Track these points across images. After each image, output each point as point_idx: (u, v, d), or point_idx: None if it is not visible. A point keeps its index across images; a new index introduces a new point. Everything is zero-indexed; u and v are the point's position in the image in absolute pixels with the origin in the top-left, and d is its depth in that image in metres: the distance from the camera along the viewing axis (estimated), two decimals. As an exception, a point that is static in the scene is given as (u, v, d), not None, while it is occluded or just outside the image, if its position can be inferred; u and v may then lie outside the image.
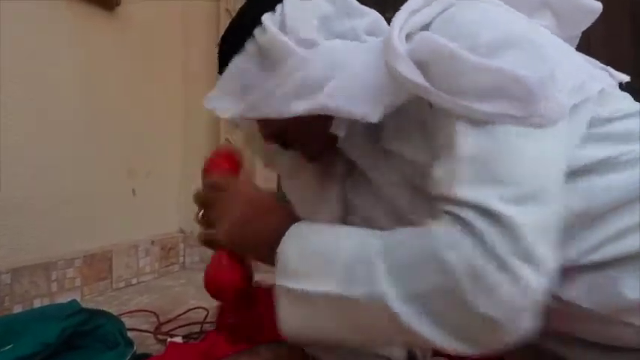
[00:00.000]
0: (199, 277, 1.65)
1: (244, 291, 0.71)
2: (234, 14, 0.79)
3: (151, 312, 1.21)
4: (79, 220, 1.39)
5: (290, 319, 0.63)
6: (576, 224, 0.62)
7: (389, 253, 0.59)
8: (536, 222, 0.54)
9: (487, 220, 0.54)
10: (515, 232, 0.53)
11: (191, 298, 1.37)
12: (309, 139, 0.77)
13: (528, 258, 0.53)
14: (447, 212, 0.57)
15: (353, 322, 0.61)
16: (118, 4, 1.50)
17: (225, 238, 0.70)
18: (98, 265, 1.45)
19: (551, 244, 0.55)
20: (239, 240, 0.69)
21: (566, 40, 0.73)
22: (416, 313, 0.56)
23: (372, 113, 0.66)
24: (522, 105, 0.57)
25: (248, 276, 0.72)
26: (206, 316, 1.15)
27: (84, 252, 1.40)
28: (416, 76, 0.60)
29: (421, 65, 0.61)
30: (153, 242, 1.70)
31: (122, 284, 1.55)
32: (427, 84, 0.59)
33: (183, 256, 1.86)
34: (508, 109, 0.57)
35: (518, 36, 0.61)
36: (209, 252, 2.01)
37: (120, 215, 1.56)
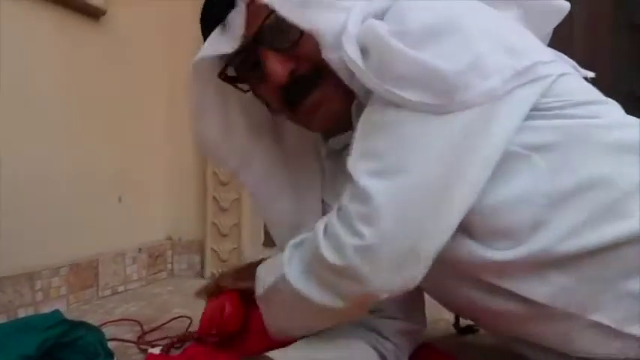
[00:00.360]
0: (187, 285, 1.69)
1: (227, 332, 0.90)
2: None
3: (135, 321, 1.21)
4: (65, 228, 1.39)
5: (266, 319, 0.80)
6: (545, 205, 0.64)
7: (301, 244, 0.73)
8: (388, 192, 0.63)
9: (353, 191, 0.65)
10: (366, 199, 0.63)
11: (176, 307, 1.38)
12: (335, 88, 0.75)
13: (369, 220, 0.62)
14: None
15: (285, 306, 0.75)
16: (103, 13, 1.51)
17: (232, 282, 0.95)
18: (84, 273, 1.45)
19: (405, 211, 0.63)
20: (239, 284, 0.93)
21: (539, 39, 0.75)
22: (307, 280, 0.69)
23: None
24: (440, 95, 0.63)
25: (234, 318, 0.92)
26: (189, 325, 1.15)
27: (70, 260, 1.40)
28: (356, 56, 0.67)
29: (364, 49, 0.67)
30: (140, 250, 1.70)
31: (109, 292, 1.55)
32: (361, 65, 0.66)
33: (171, 263, 1.86)
34: (426, 97, 0.63)
35: (449, 23, 0.65)
36: (197, 259, 2.03)
37: (106, 223, 1.56)
